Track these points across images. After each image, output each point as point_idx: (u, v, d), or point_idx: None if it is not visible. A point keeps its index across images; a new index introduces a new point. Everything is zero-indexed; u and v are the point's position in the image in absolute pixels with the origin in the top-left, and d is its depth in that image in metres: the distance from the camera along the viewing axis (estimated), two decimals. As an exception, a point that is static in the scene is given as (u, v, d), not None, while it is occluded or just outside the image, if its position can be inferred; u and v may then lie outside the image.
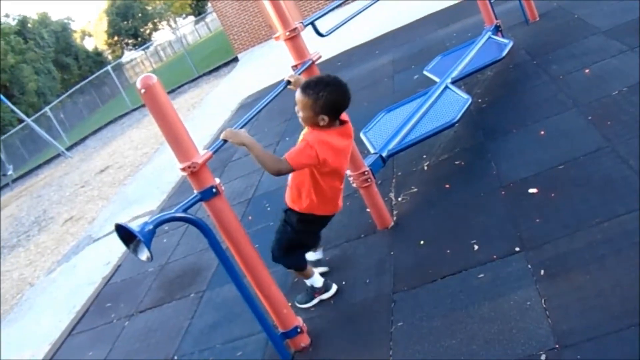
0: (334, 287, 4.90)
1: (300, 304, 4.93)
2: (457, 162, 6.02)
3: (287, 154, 3.97)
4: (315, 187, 4.22)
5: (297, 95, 4.08)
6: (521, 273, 4.08)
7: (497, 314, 3.83)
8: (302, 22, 5.06)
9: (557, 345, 3.37)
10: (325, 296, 4.88)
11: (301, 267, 4.79)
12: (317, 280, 4.85)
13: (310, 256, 5.17)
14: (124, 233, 3.42)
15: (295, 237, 4.56)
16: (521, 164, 5.41)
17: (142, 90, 3.62)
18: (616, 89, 5.83)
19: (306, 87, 4.04)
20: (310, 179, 4.18)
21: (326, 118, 4.03)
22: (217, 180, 3.91)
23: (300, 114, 4.12)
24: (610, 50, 6.76)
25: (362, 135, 6.20)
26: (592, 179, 4.70)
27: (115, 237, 3.52)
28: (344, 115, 4.24)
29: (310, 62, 4.91)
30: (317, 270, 4.97)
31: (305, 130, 4.32)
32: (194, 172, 3.75)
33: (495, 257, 4.35)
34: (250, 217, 7.49)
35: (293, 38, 4.86)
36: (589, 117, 5.58)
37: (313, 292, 4.88)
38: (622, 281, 3.58)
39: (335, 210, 4.51)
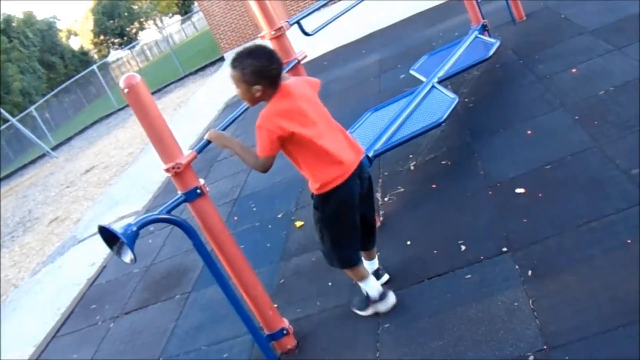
0: (392, 298, 4.34)
1: (355, 308, 4.48)
2: (443, 162, 6.01)
3: (257, 150, 3.82)
4: (302, 156, 3.94)
5: (229, 73, 3.89)
6: (508, 274, 4.06)
7: (484, 314, 3.81)
8: (287, 21, 5.03)
9: (545, 346, 3.35)
10: (381, 308, 4.32)
11: (352, 262, 4.25)
12: (372, 288, 4.32)
13: (366, 265, 4.60)
14: (108, 235, 3.38)
15: (330, 221, 4.11)
16: (508, 164, 5.39)
17: (125, 90, 3.58)
18: (603, 88, 5.83)
19: (233, 62, 3.85)
20: (292, 152, 3.94)
21: (259, 87, 3.80)
22: (202, 181, 3.87)
23: (238, 92, 3.92)
24: (596, 49, 6.76)
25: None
26: (580, 178, 4.69)
27: (100, 238, 3.47)
28: (286, 82, 3.98)
29: (296, 61, 4.89)
30: (379, 281, 4.53)
31: None
32: (178, 172, 3.71)
33: (482, 257, 4.33)
34: (236, 218, 7.45)
35: (279, 37, 4.83)
36: (576, 117, 5.58)
37: (367, 300, 4.38)
38: (610, 281, 3.57)
39: (344, 168, 3.96)
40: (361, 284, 4.34)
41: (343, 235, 4.16)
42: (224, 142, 3.97)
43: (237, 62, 3.82)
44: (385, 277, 4.63)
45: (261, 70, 3.79)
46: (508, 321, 3.66)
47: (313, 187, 4.01)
